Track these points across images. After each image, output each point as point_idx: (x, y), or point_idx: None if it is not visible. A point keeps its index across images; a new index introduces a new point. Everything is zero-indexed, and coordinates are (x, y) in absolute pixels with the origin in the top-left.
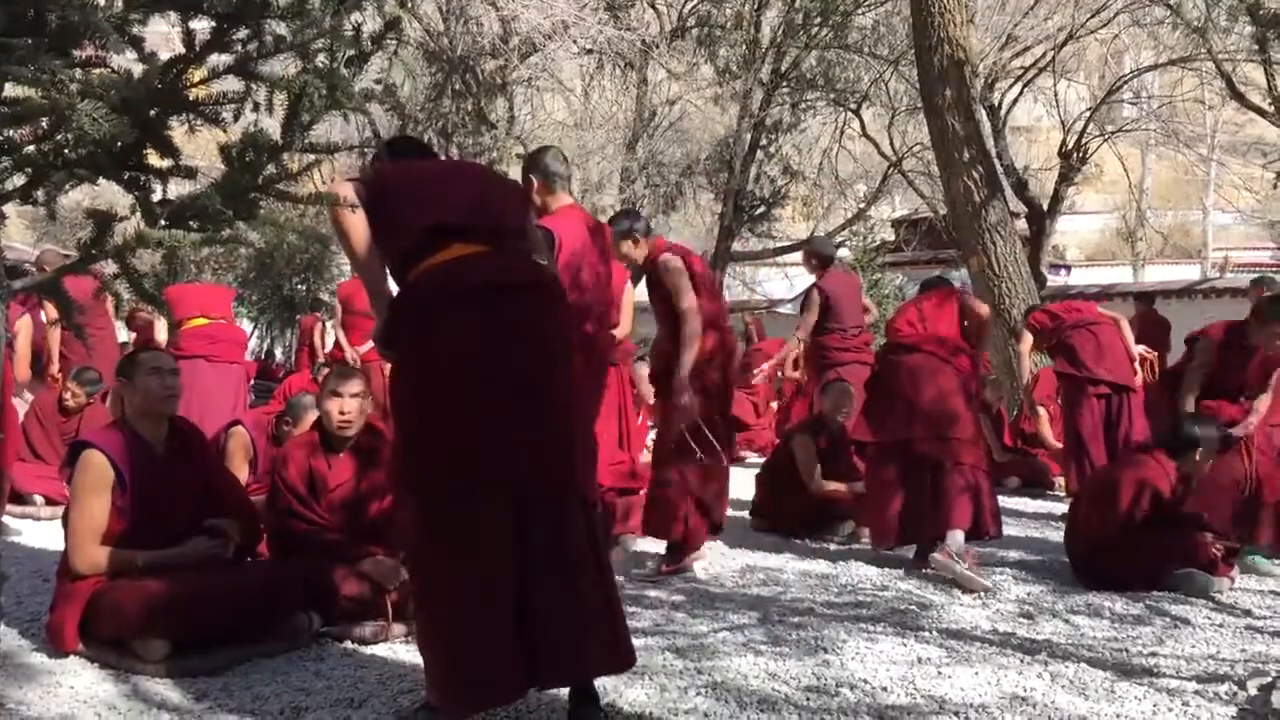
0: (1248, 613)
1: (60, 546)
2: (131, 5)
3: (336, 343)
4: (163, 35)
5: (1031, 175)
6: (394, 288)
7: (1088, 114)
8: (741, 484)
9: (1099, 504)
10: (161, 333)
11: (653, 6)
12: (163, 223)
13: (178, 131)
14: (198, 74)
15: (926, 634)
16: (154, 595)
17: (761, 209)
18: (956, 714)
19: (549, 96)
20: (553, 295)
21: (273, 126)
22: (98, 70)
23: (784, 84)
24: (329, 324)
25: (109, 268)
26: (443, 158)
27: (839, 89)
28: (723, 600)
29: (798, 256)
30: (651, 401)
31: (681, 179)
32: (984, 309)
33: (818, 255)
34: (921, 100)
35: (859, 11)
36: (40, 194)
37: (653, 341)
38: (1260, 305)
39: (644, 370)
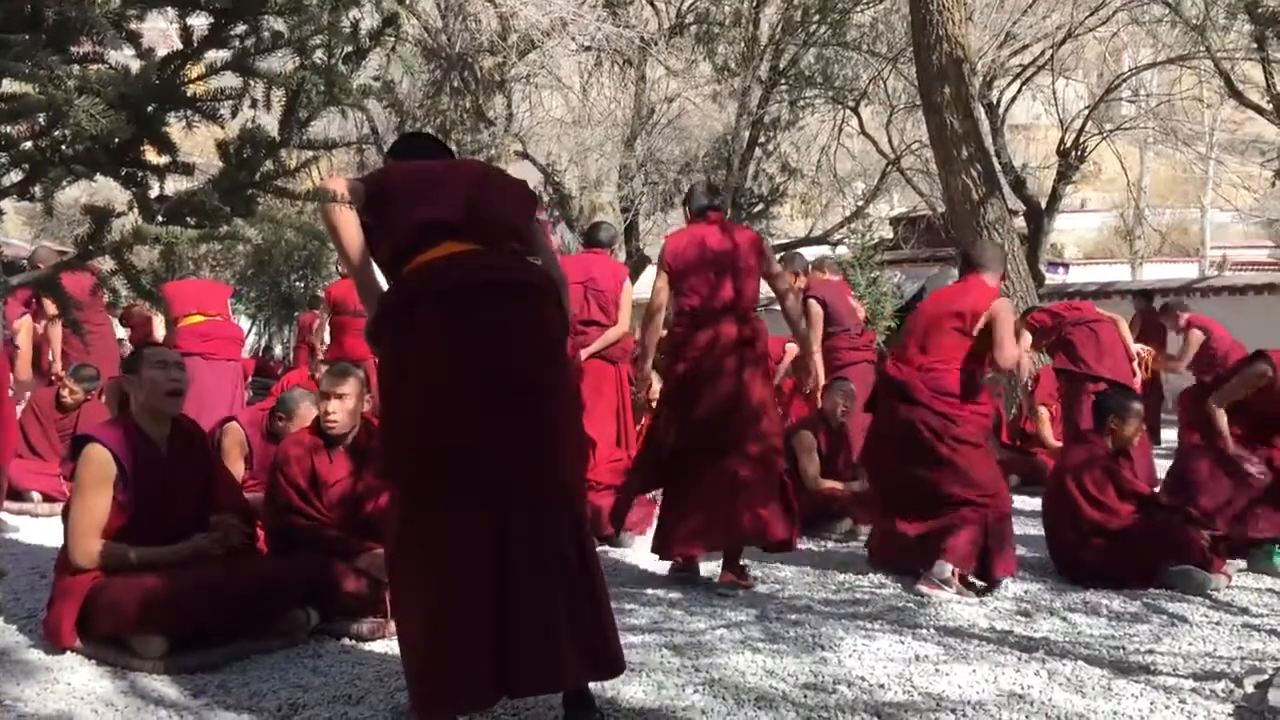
0: (1245, 610)
1: (57, 543)
2: (129, 1)
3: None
4: (160, 31)
5: (1030, 173)
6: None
7: (1086, 112)
8: None
9: (1058, 500)
10: (159, 329)
11: (651, 4)
12: (160, 219)
13: (175, 128)
14: (195, 70)
15: (924, 631)
16: (152, 592)
17: (760, 206)
18: (954, 711)
19: (547, 94)
20: (543, 296)
21: (270, 123)
22: (95, 66)
23: (782, 81)
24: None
25: (107, 264)
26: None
27: (837, 86)
28: (720, 597)
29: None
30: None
31: (680, 176)
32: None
33: (797, 270)
34: (920, 98)
35: (857, 9)
36: (37, 190)
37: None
38: None
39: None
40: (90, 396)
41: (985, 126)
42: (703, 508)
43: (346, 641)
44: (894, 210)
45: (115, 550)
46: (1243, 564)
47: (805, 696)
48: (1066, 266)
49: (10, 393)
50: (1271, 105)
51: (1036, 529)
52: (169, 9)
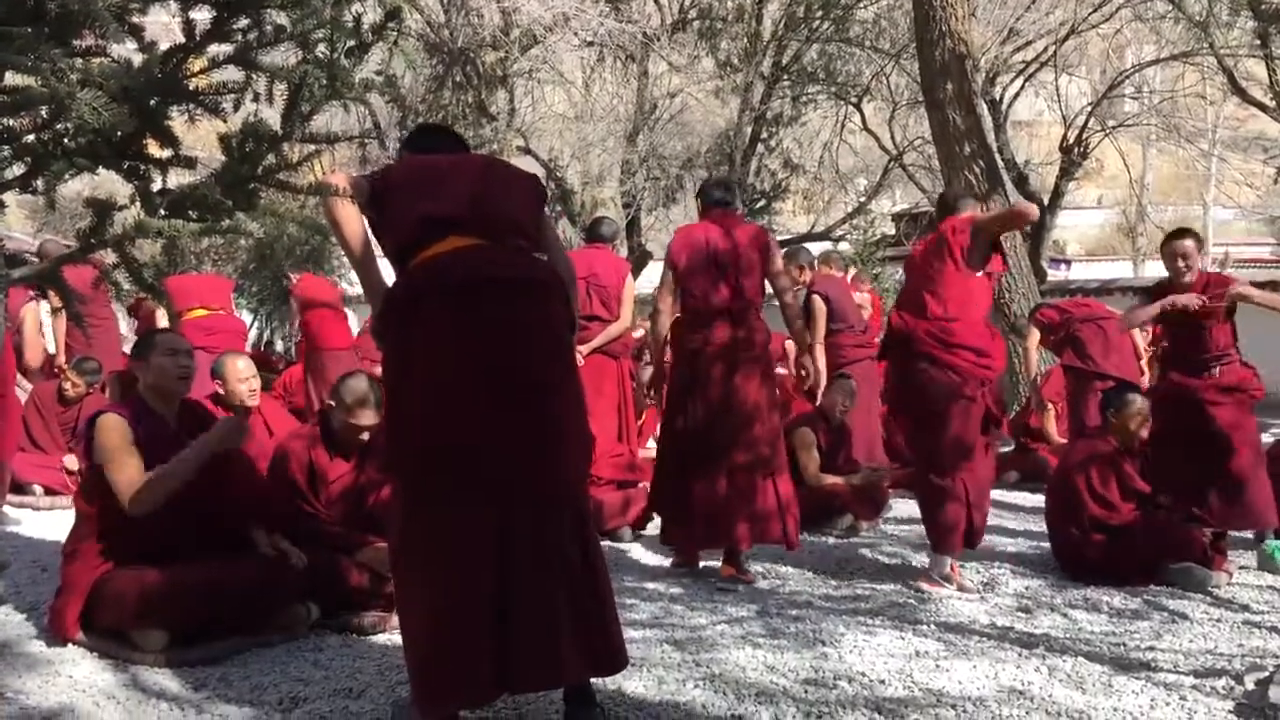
0: (1245, 607)
1: (59, 536)
2: None
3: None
4: (163, 24)
5: (1032, 170)
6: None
7: (1089, 109)
8: None
9: (1061, 496)
10: (161, 323)
11: None
12: (162, 212)
13: (177, 121)
14: (198, 63)
15: (924, 627)
16: (154, 585)
17: (762, 202)
18: (954, 707)
19: (550, 89)
20: (548, 292)
21: (273, 117)
22: (98, 59)
23: (785, 77)
24: None
25: (109, 257)
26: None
27: (840, 82)
28: (721, 593)
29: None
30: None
31: (682, 172)
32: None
33: (803, 265)
34: (923, 94)
35: (860, 5)
36: (40, 183)
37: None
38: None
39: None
40: (92, 389)
41: (988, 123)
42: (699, 513)
43: (348, 635)
44: (896, 206)
45: (154, 481)
46: (1244, 561)
47: (806, 692)
48: (1068, 263)
49: (16, 387)
50: (1275, 102)
51: (1038, 525)
52: (171, 2)
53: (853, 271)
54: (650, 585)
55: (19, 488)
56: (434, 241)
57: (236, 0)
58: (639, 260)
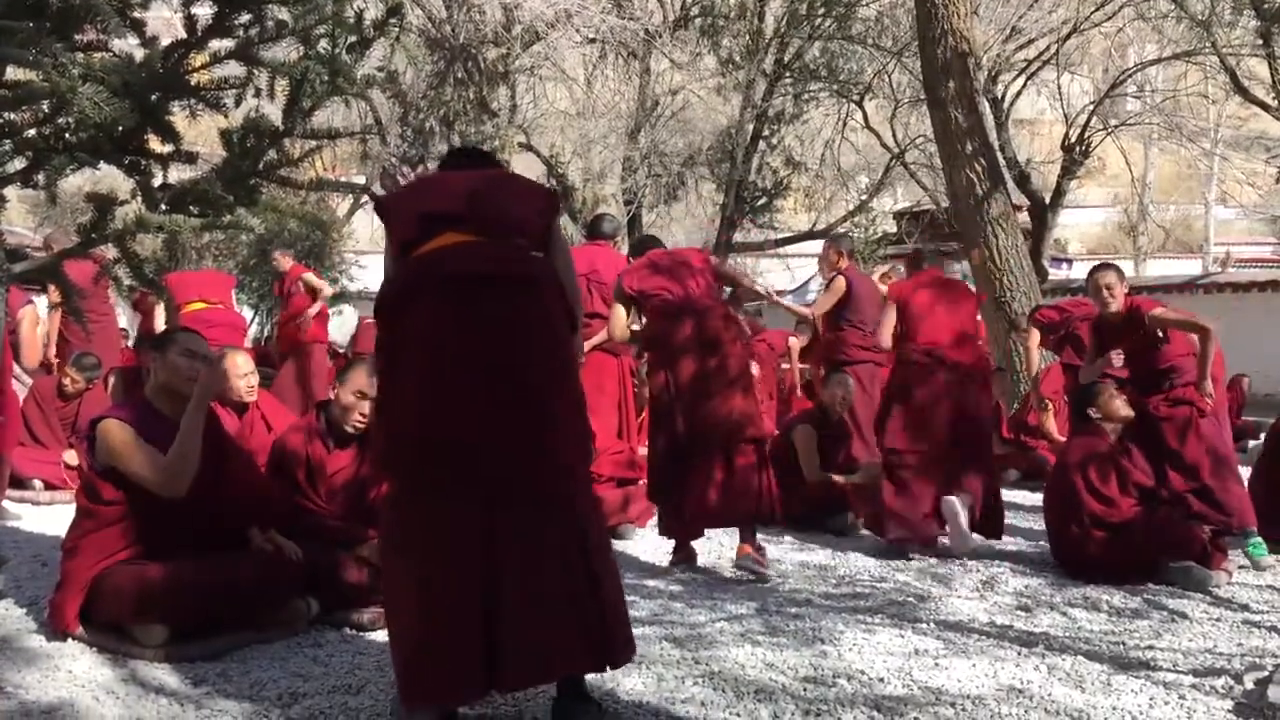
0: (1245, 607)
1: (59, 531)
2: None
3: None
4: (164, 20)
5: (1034, 168)
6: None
7: (1091, 107)
8: None
9: (1061, 492)
10: (159, 317)
11: None
12: (163, 208)
13: (179, 116)
14: (199, 59)
15: (924, 626)
16: (153, 580)
17: (763, 200)
18: (953, 705)
19: (551, 85)
20: (543, 289)
21: (274, 112)
22: (99, 54)
23: (787, 75)
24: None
25: (110, 252)
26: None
27: (842, 80)
28: (721, 590)
29: (800, 248)
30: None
31: (683, 169)
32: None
33: (842, 251)
34: (924, 92)
35: (863, 3)
36: (41, 177)
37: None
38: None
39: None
40: (92, 385)
41: (990, 121)
42: (686, 499)
43: (347, 631)
44: (897, 205)
45: (175, 455)
46: (1243, 561)
47: (805, 690)
48: (1070, 262)
49: (15, 381)
50: (1277, 101)
51: (1037, 523)
52: None
53: (881, 269)
54: (650, 583)
55: (19, 483)
56: (431, 237)
57: None
58: (638, 245)
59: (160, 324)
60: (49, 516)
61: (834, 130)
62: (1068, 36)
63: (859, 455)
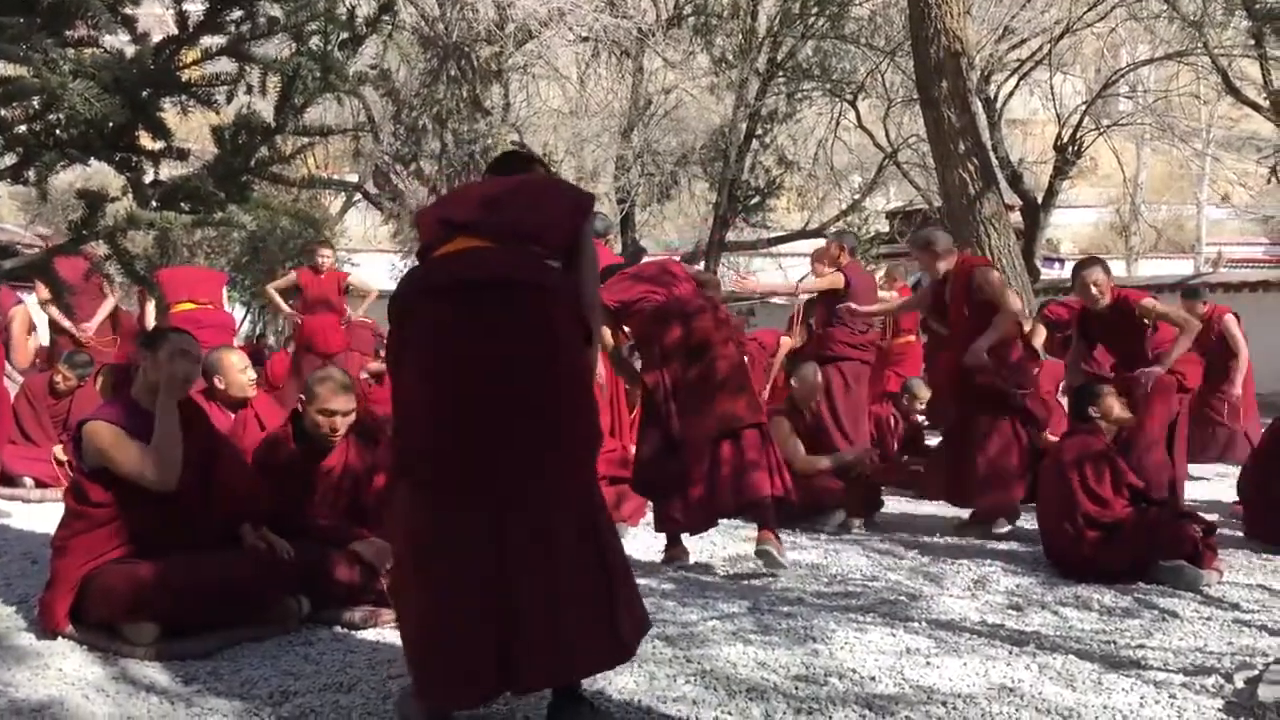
0: (1235, 606)
1: (50, 528)
2: None
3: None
4: (156, 16)
5: (1026, 168)
6: None
7: (1083, 107)
8: None
9: (1055, 491)
10: (150, 316)
11: None
12: (154, 204)
13: (170, 113)
14: (191, 55)
15: (915, 624)
16: (144, 579)
17: (756, 199)
18: (944, 704)
19: (544, 84)
20: (550, 297)
21: (266, 109)
22: (90, 50)
23: (780, 74)
24: None
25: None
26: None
27: (835, 79)
28: (713, 589)
29: (792, 247)
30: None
31: (676, 168)
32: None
33: (845, 246)
34: (917, 92)
35: (856, 2)
36: (31, 174)
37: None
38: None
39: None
40: (84, 383)
41: (982, 121)
42: (692, 490)
43: (338, 629)
44: (890, 204)
45: (158, 447)
46: (1234, 560)
47: (797, 688)
48: (1062, 262)
49: (5, 378)
50: (1268, 102)
51: (1027, 521)
52: None
53: (884, 268)
54: (642, 581)
55: (9, 480)
56: (445, 242)
57: None
58: (633, 256)
59: (149, 323)
60: (39, 514)
61: (827, 129)
62: (1060, 37)
63: (842, 449)
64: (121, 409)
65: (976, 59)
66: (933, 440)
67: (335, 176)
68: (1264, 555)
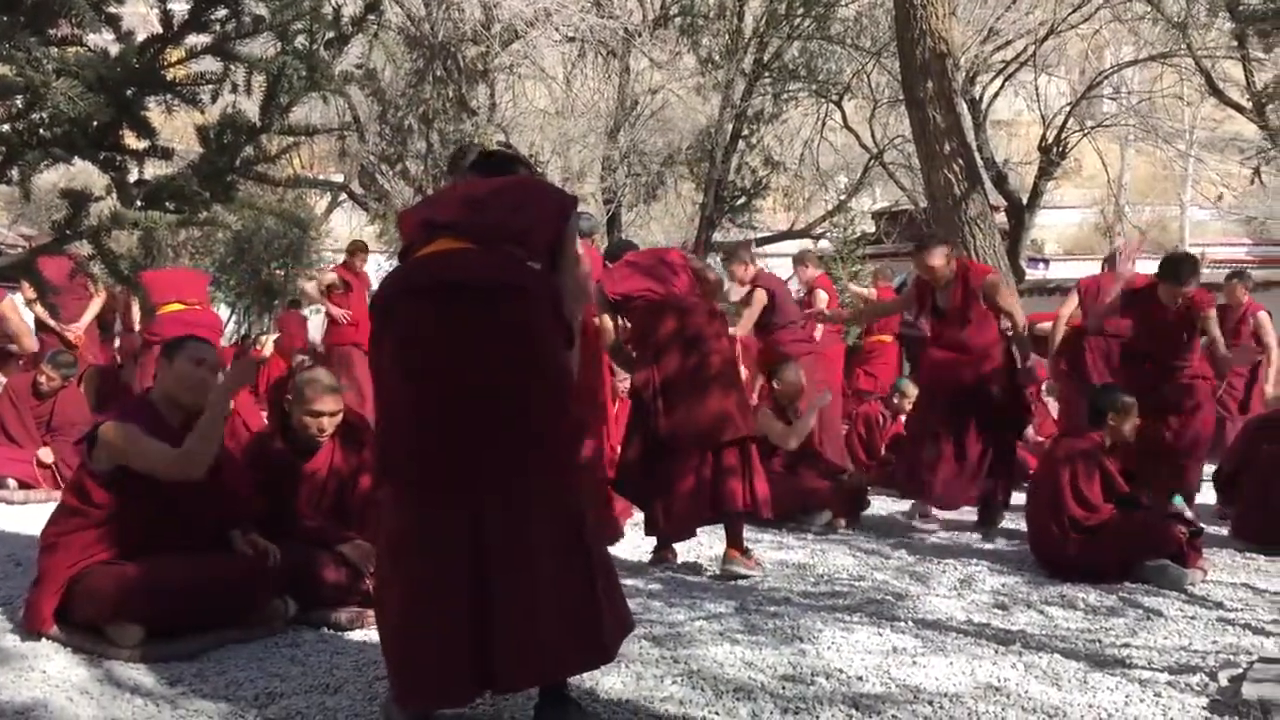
0: (1220, 605)
1: (34, 530)
2: None
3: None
4: (140, 14)
5: (1011, 169)
6: None
7: (1068, 109)
8: None
9: (1045, 491)
10: (135, 316)
11: None
12: (139, 204)
13: (154, 112)
14: (175, 54)
15: (902, 624)
16: (130, 580)
17: (742, 199)
18: (930, 703)
19: (530, 84)
20: (529, 298)
21: (251, 108)
22: (74, 49)
23: (766, 75)
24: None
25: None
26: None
27: (821, 80)
28: (700, 589)
29: (779, 247)
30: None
31: (663, 168)
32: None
33: (746, 260)
34: (903, 93)
35: (842, 3)
36: (14, 173)
37: None
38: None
39: None
40: (68, 383)
41: (968, 122)
42: (672, 500)
43: (325, 631)
44: (876, 204)
45: (196, 439)
46: (1218, 559)
47: (783, 688)
48: (1047, 262)
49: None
50: (1251, 103)
51: (1013, 521)
52: None
53: (819, 272)
54: (629, 582)
55: None
56: (427, 243)
57: None
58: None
59: (135, 323)
60: (22, 515)
61: (813, 130)
62: (1045, 38)
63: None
64: (139, 411)
65: (962, 60)
66: None
67: (321, 176)
68: (1248, 554)
